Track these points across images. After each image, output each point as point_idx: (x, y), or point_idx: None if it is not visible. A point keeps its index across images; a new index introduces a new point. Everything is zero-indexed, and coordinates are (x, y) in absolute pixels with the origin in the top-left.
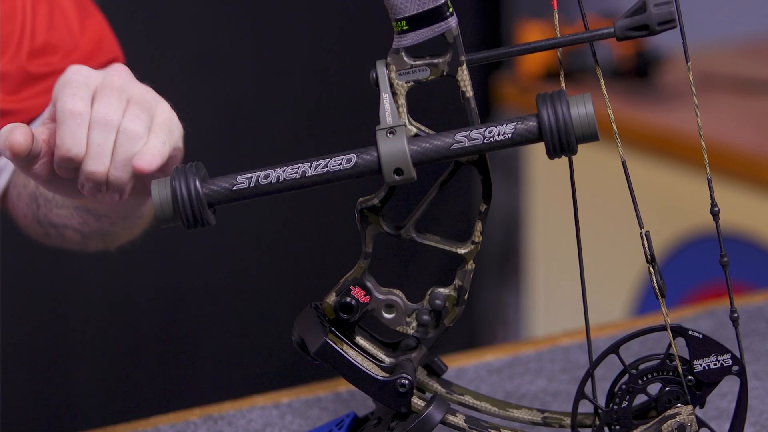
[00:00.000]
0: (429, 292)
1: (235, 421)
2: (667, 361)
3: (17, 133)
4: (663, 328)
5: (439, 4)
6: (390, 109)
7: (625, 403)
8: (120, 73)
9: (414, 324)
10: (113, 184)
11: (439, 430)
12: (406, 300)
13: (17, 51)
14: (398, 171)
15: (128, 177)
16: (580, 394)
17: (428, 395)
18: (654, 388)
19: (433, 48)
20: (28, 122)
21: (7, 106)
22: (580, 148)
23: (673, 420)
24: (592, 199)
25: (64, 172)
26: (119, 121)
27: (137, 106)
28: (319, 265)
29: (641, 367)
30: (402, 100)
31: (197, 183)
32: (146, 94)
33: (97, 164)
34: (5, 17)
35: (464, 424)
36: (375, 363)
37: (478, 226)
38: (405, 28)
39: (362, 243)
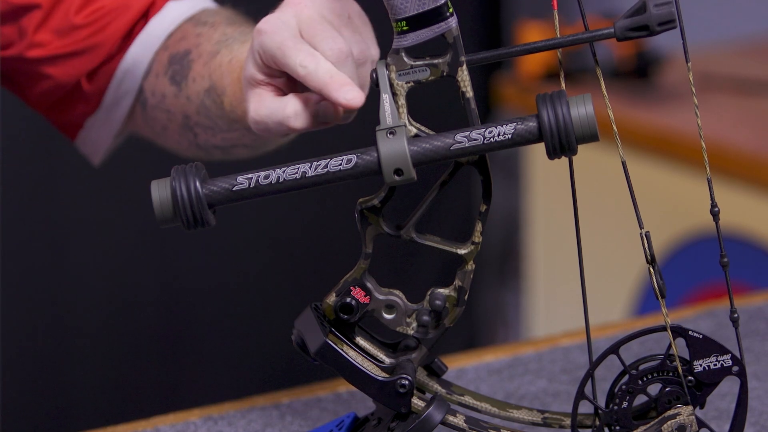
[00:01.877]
0: (429, 292)
1: (235, 422)
2: (667, 361)
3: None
4: (663, 328)
5: (439, 4)
6: (390, 110)
7: (625, 404)
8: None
9: (414, 324)
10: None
11: (439, 431)
12: (406, 300)
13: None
14: (398, 171)
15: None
16: (580, 395)
17: (428, 396)
18: (654, 389)
19: (433, 48)
20: (107, 57)
21: (70, 48)
22: (580, 148)
23: (673, 420)
24: (592, 199)
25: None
26: (348, 49)
27: (342, 25)
28: (319, 265)
29: (641, 367)
30: (402, 101)
31: (197, 183)
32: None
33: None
34: None
35: (464, 424)
36: (375, 363)
37: (478, 227)
38: (405, 28)
39: (362, 243)
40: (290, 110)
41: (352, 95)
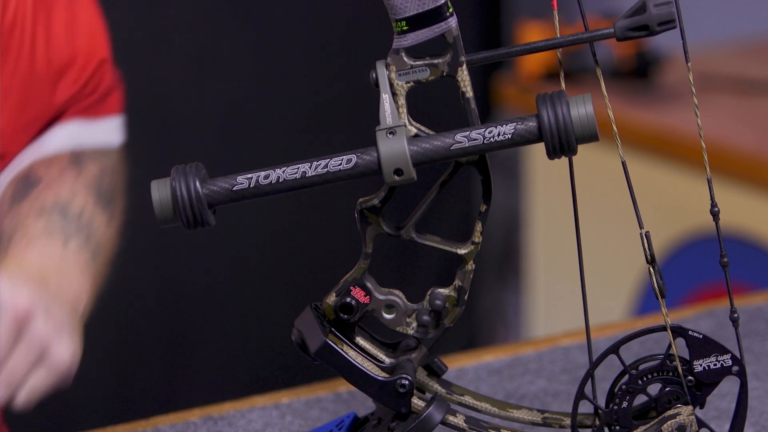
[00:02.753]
0: (429, 292)
1: (235, 422)
2: (667, 361)
3: None
4: (663, 328)
5: (439, 4)
6: (390, 110)
7: (625, 404)
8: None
9: (414, 324)
10: None
11: (439, 431)
12: (406, 300)
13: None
14: (398, 171)
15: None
16: (580, 395)
17: (428, 395)
18: (654, 389)
19: (433, 48)
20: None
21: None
22: (580, 148)
23: (673, 420)
24: (592, 199)
25: None
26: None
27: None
28: (319, 265)
29: (641, 367)
30: (402, 101)
31: (197, 183)
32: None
33: None
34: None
35: (464, 424)
36: (375, 363)
37: (478, 227)
38: (405, 28)
39: (362, 243)
40: None
41: None
